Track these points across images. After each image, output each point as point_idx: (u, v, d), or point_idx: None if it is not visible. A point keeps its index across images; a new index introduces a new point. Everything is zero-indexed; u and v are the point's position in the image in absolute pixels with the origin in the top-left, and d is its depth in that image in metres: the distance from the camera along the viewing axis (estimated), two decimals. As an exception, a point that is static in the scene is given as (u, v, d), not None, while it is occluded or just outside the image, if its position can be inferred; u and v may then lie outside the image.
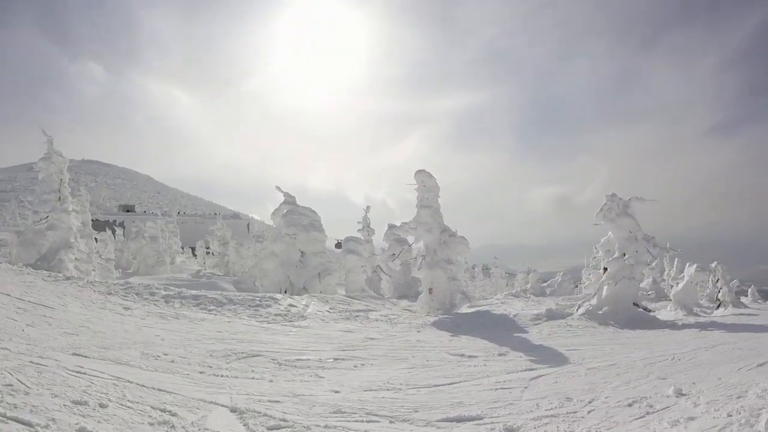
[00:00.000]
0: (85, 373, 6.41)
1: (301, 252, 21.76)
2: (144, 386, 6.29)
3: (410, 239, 18.86)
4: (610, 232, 15.77)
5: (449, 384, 7.57)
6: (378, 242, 26.63)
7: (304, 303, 14.83)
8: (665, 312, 17.05)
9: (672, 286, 25.26)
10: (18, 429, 4.55)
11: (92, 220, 31.97)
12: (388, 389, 7.18)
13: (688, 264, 20.92)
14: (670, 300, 19.53)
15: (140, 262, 36.28)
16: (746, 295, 27.78)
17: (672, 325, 13.26)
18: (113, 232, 42.55)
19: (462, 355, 9.55)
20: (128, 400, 5.73)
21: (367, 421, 5.82)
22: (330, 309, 14.84)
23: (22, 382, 5.76)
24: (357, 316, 14.22)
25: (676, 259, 33.08)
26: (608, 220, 15.40)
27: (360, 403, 6.42)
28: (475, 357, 9.45)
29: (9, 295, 11.04)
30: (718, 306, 21.96)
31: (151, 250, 36.52)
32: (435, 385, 7.46)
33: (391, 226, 21.85)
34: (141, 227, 38.65)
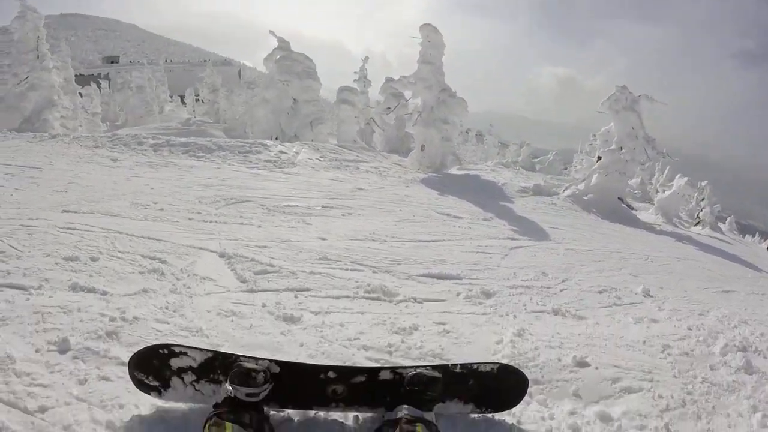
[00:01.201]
0: (75, 229, 6.50)
1: (294, 99, 21.42)
2: (134, 236, 6.40)
3: (407, 94, 18.44)
4: (612, 123, 15.37)
5: (433, 241, 7.72)
6: (374, 95, 25.99)
7: (294, 150, 14.80)
8: (646, 214, 17.02)
9: (658, 192, 25.20)
10: (12, 295, 4.63)
11: (75, 75, 31.17)
12: (373, 240, 7.32)
13: (679, 175, 20.68)
14: (653, 204, 19.49)
15: (128, 114, 35.90)
16: (724, 223, 27.67)
17: (650, 228, 13.25)
18: (98, 85, 41.61)
19: (448, 215, 9.68)
20: (118, 251, 5.86)
21: (351, 270, 5.98)
22: (320, 157, 14.83)
23: (13, 247, 5.83)
24: (347, 166, 14.26)
25: (668, 167, 32.65)
26: (613, 111, 14.96)
27: (345, 251, 6.57)
28: (461, 218, 9.57)
29: (-6, 162, 10.96)
30: (697, 223, 22.01)
31: (138, 100, 35.96)
32: (419, 241, 7.61)
33: (389, 80, 21.23)
34: (127, 78, 37.84)
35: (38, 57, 22.56)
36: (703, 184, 24.93)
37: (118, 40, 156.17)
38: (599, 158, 15.43)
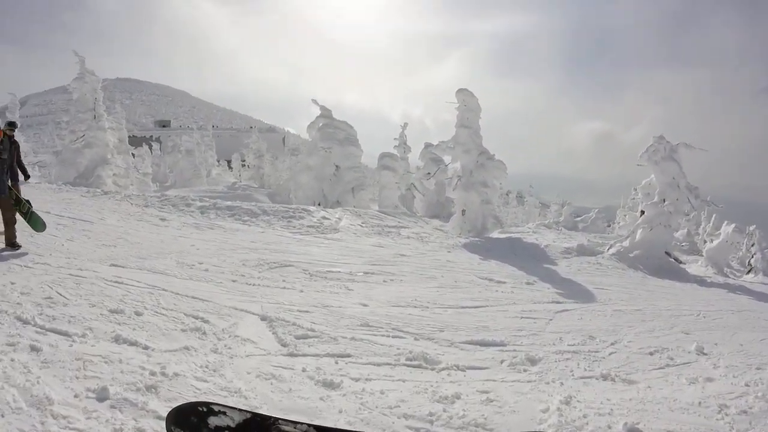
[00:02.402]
0: (122, 283, 6.64)
1: (336, 166, 21.69)
2: (178, 294, 6.50)
3: (446, 159, 18.54)
4: (652, 175, 15.12)
5: (475, 307, 7.62)
6: (414, 160, 26.16)
7: (337, 216, 14.90)
8: (695, 266, 16.62)
9: (706, 242, 24.57)
10: (56, 340, 4.77)
11: (129, 137, 32.25)
12: (415, 306, 7.26)
13: (726, 222, 20.22)
14: (702, 255, 19.06)
15: (177, 176, 36.85)
16: None
17: (700, 281, 12.89)
18: (150, 147, 43.14)
19: (490, 280, 9.53)
20: (162, 308, 5.96)
21: (393, 336, 5.92)
22: (362, 223, 14.88)
23: (61, 295, 6.01)
24: (389, 232, 14.23)
25: (714, 215, 31.96)
26: (653, 163, 14.75)
27: (387, 317, 6.53)
28: (504, 283, 9.42)
29: (49, 213, 11.23)
30: (749, 271, 21.35)
31: (187, 163, 36.96)
32: (462, 307, 7.52)
33: (428, 145, 21.46)
34: (177, 141, 39.08)
35: (95, 117, 23.48)
36: (752, 228, 23.89)
37: (170, 106, 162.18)
38: (642, 212, 15.00)
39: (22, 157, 9.79)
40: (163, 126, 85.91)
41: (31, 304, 5.59)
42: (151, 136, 63.52)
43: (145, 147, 39.42)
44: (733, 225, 19.24)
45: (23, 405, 3.67)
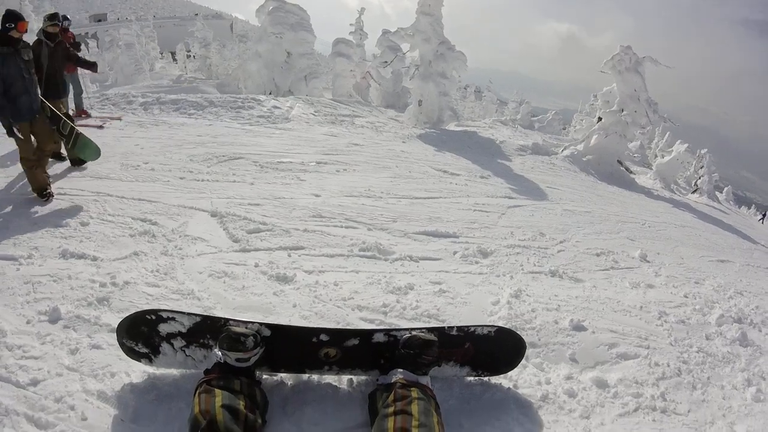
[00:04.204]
0: (64, 194, 6.40)
1: (288, 53, 20.94)
2: (124, 198, 6.32)
3: (405, 47, 18.03)
4: (614, 84, 14.97)
5: (429, 198, 7.64)
6: (370, 48, 25.34)
7: (288, 105, 14.52)
8: (644, 178, 16.84)
9: (657, 157, 24.99)
10: (2, 266, 4.60)
11: (62, 33, 30.48)
12: (368, 197, 7.24)
13: (679, 141, 20.36)
14: (652, 169, 19.32)
15: (117, 73, 35.10)
16: (721, 192, 27.46)
17: (648, 193, 13.08)
18: (86, 45, 40.82)
19: (445, 171, 9.54)
20: (109, 215, 5.80)
21: (346, 227, 5.93)
22: (315, 112, 14.57)
23: (1, 216, 5.77)
24: (342, 121, 14.00)
25: (669, 133, 32.43)
26: (616, 72, 14.57)
27: (340, 208, 6.50)
28: (458, 175, 9.44)
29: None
30: (695, 191, 21.85)
31: (127, 58, 35.12)
32: (415, 198, 7.53)
33: (386, 32, 20.67)
34: (115, 36, 36.96)
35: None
36: (703, 152, 24.73)
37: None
38: (600, 119, 15.16)
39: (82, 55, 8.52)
40: (99, 21, 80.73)
41: (-28, 231, 5.34)
42: (87, 33, 59.97)
43: (82, 46, 37.39)
44: (686, 145, 19.60)
45: (-25, 341, 3.58)
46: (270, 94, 19.04)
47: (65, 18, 9.46)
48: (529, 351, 3.71)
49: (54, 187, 6.49)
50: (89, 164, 7.52)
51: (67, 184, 6.85)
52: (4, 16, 5.65)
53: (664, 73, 15.30)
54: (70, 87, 9.56)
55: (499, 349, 3.48)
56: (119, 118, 10.96)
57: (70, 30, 10.86)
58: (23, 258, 4.73)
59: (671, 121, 16.73)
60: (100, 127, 10.22)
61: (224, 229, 5.62)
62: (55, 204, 6.07)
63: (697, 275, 6.35)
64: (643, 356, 4.06)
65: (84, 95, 12.06)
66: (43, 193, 6.16)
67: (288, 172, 8.00)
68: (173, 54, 51.16)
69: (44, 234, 5.27)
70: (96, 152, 7.08)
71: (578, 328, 4.26)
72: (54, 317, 3.82)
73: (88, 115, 11.24)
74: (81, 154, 7.13)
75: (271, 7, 20.94)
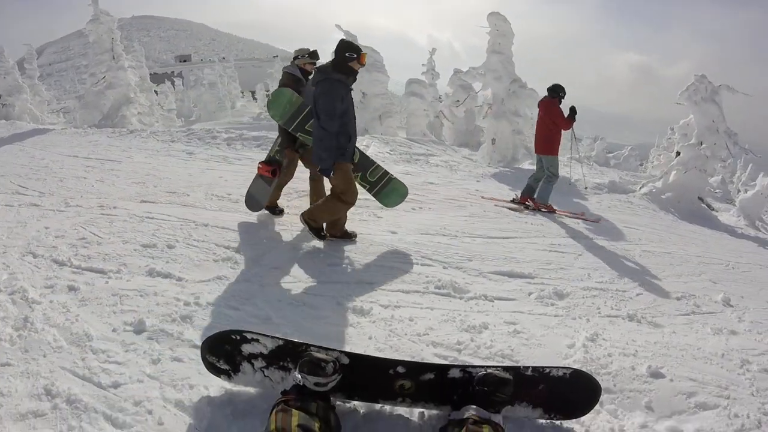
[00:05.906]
0: (153, 218, 6.77)
1: (363, 93, 21.38)
2: (208, 225, 6.61)
3: (477, 86, 18.14)
4: (691, 116, 14.43)
5: (504, 238, 7.56)
6: (442, 87, 25.52)
7: (364, 144, 14.78)
8: (727, 215, 16.02)
9: (740, 192, 23.87)
10: (92, 278, 4.94)
11: (150, 74, 32.17)
12: (444, 235, 7.24)
13: (762, 174, 19.56)
14: (734, 205, 18.51)
15: (201, 110, 36.78)
16: None
17: (731, 231, 12.40)
18: (172, 83, 43.04)
19: (520, 211, 9.47)
20: (194, 240, 6.09)
21: (422, 264, 5.95)
22: (390, 151, 14.73)
23: (94, 234, 6.16)
24: (417, 160, 14.08)
25: (751, 165, 30.88)
26: (692, 103, 14.03)
27: (416, 245, 6.54)
28: (533, 215, 9.36)
29: (77, 156, 11.44)
30: None
31: (210, 96, 36.80)
32: (490, 237, 7.47)
33: (457, 71, 20.87)
34: (199, 75, 38.98)
35: (114, 57, 23.37)
36: None
37: (190, 39, 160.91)
38: (678, 153, 14.56)
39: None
40: (184, 61, 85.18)
41: (67, 246, 5.75)
42: (173, 72, 63.29)
43: (168, 83, 39.36)
44: (770, 177, 18.71)
45: (64, 344, 3.83)
46: (346, 133, 19.36)
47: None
48: (603, 396, 3.62)
49: (142, 212, 6.93)
50: (175, 193, 7.95)
51: (154, 209, 7.25)
52: (342, 45, 5.64)
53: (744, 100, 14.66)
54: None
55: (574, 392, 3.42)
56: (597, 221, 9.77)
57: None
58: (112, 272, 5.04)
59: (753, 153, 15.94)
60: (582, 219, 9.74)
61: (303, 261, 5.77)
62: (143, 227, 6.44)
63: (783, 320, 6.03)
64: (723, 407, 3.88)
65: (157, 130, 12.52)
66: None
67: (365, 209, 8.08)
68: (253, 93, 53.16)
69: (133, 252, 5.61)
70: (401, 195, 7.26)
71: (656, 375, 4.13)
72: (139, 328, 4.04)
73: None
74: (385, 200, 7.27)
75: (345, 50, 21.49)
